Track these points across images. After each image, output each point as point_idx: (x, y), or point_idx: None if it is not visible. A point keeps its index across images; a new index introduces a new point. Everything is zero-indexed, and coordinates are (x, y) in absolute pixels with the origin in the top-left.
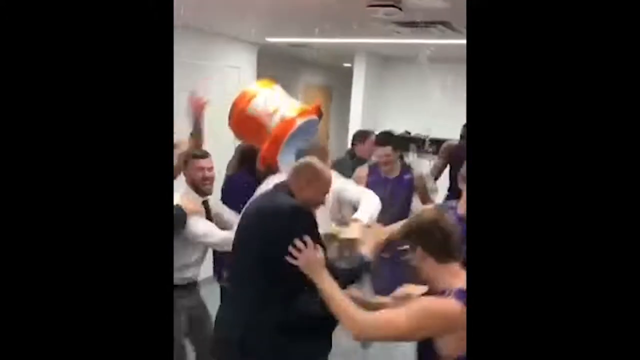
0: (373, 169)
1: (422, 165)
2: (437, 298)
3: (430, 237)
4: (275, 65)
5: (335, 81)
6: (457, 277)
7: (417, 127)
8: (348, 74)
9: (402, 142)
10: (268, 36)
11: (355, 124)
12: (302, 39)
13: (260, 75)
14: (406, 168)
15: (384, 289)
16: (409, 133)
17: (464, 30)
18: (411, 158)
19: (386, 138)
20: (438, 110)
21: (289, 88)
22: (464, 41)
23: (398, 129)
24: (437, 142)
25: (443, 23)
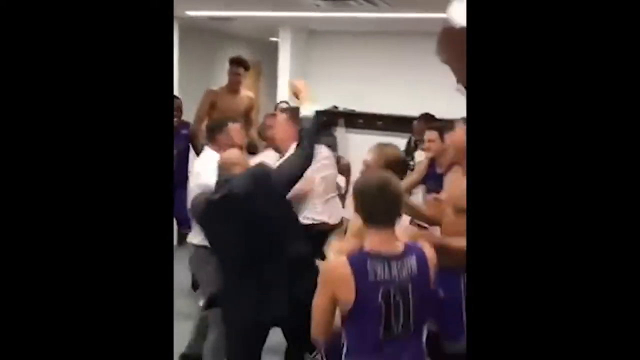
0: None
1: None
2: (332, 259)
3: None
4: (198, 40)
5: (264, 56)
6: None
7: (345, 101)
8: (275, 48)
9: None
10: (188, 9)
11: (282, 99)
12: (224, 12)
13: (182, 51)
14: None
15: None
16: (337, 107)
17: (381, 3)
18: (340, 133)
19: None
20: (366, 84)
21: (214, 63)
22: (387, 14)
23: (326, 104)
24: (365, 116)
25: None
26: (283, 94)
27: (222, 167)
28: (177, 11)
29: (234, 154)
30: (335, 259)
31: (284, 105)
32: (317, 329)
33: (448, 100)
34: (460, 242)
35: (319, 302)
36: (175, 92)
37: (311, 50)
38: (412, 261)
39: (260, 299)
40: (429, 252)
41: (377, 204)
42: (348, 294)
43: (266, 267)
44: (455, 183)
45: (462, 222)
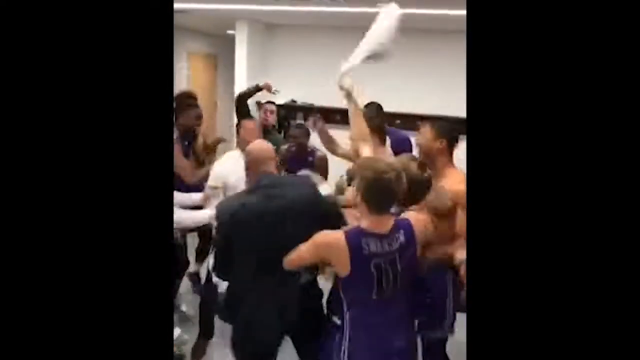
0: None
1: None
2: (331, 231)
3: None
4: None
5: (221, 49)
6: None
7: (302, 95)
8: (233, 42)
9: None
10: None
11: (239, 92)
12: (180, 5)
13: None
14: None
15: None
16: (295, 101)
17: None
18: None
19: None
20: (324, 77)
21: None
22: (344, 9)
23: (284, 98)
24: (323, 110)
25: None
26: (240, 87)
27: (257, 160)
28: None
29: (265, 145)
30: (333, 233)
31: (272, 107)
32: (289, 264)
33: (405, 93)
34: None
35: (304, 254)
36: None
37: (269, 43)
38: (400, 235)
39: (276, 304)
40: (415, 222)
41: (386, 195)
42: (344, 264)
43: (281, 271)
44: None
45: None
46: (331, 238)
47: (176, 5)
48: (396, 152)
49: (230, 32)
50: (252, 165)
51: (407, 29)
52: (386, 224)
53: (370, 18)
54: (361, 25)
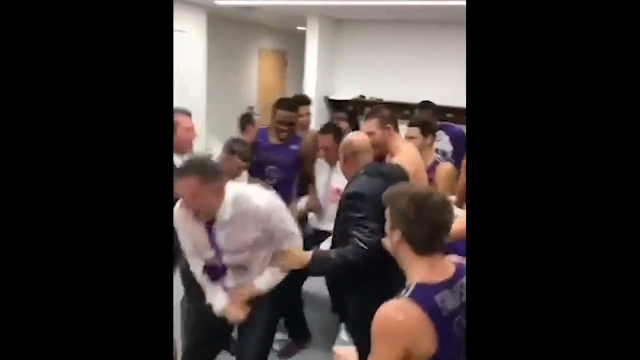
0: None
1: None
2: (387, 310)
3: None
4: (227, 29)
5: (291, 45)
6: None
7: (372, 91)
8: (303, 38)
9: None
10: None
11: (310, 89)
12: (252, 2)
13: (212, 40)
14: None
15: None
16: (364, 97)
17: None
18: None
19: None
20: (393, 73)
21: (243, 53)
22: (415, 3)
23: (353, 93)
24: (392, 106)
25: None
26: (310, 83)
27: (360, 151)
28: (206, 0)
29: (363, 136)
30: (393, 305)
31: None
32: None
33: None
34: None
35: None
36: (204, 81)
37: (339, 39)
38: (463, 281)
39: None
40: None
41: (436, 231)
42: (429, 342)
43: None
44: None
45: None
46: (400, 312)
47: (248, 3)
48: (456, 147)
49: (300, 28)
50: (356, 155)
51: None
52: (446, 265)
53: (439, 12)
54: (430, 20)
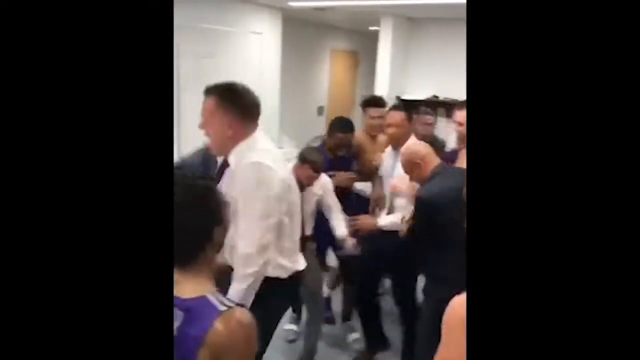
0: None
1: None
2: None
3: None
4: (300, 30)
5: (362, 45)
6: None
7: (445, 91)
8: (375, 38)
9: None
10: (291, 0)
11: (381, 89)
12: (326, 3)
13: (286, 41)
14: None
15: None
16: (437, 97)
17: None
18: (440, 123)
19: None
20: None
21: (316, 54)
22: None
23: (426, 93)
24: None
25: None
26: (382, 83)
27: (430, 154)
28: (281, 2)
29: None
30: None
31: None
32: None
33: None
34: None
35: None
36: (277, 81)
37: (412, 38)
38: None
39: None
40: None
41: None
42: None
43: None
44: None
45: None
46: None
47: (321, 3)
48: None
49: (372, 28)
50: (428, 158)
51: None
52: None
53: None
54: None
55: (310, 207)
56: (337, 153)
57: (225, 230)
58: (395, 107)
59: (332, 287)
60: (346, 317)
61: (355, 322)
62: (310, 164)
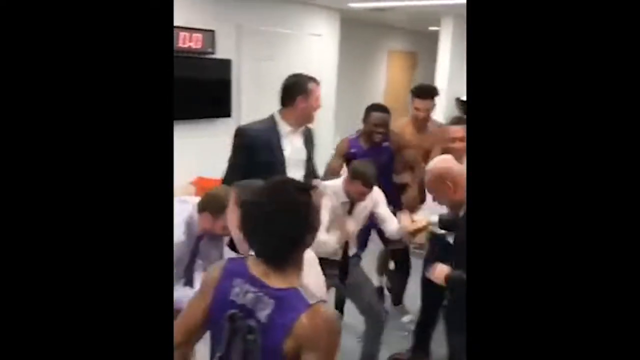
0: None
1: None
2: None
3: None
4: (358, 31)
5: (421, 46)
6: None
7: None
8: (434, 38)
9: None
10: (350, 1)
11: (441, 90)
12: (385, 3)
13: (344, 42)
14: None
15: None
16: None
17: None
18: None
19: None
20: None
21: (373, 55)
22: None
23: None
24: None
25: None
26: (442, 84)
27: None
28: (340, 3)
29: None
30: None
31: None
32: None
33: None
34: None
35: None
36: (334, 82)
37: None
38: None
39: None
40: None
41: None
42: None
43: None
44: None
45: None
46: None
47: (381, 4)
48: None
49: (432, 28)
50: (460, 180)
51: None
52: None
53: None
54: None
55: (360, 222)
56: (372, 139)
57: (314, 234)
58: (454, 122)
59: (381, 273)
60: (397, 302)
61: (407, 304)
62: (362, 179)
